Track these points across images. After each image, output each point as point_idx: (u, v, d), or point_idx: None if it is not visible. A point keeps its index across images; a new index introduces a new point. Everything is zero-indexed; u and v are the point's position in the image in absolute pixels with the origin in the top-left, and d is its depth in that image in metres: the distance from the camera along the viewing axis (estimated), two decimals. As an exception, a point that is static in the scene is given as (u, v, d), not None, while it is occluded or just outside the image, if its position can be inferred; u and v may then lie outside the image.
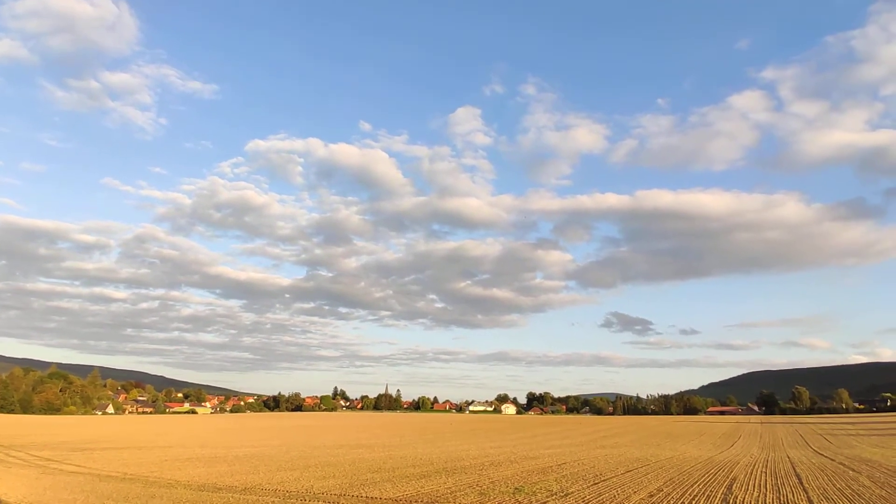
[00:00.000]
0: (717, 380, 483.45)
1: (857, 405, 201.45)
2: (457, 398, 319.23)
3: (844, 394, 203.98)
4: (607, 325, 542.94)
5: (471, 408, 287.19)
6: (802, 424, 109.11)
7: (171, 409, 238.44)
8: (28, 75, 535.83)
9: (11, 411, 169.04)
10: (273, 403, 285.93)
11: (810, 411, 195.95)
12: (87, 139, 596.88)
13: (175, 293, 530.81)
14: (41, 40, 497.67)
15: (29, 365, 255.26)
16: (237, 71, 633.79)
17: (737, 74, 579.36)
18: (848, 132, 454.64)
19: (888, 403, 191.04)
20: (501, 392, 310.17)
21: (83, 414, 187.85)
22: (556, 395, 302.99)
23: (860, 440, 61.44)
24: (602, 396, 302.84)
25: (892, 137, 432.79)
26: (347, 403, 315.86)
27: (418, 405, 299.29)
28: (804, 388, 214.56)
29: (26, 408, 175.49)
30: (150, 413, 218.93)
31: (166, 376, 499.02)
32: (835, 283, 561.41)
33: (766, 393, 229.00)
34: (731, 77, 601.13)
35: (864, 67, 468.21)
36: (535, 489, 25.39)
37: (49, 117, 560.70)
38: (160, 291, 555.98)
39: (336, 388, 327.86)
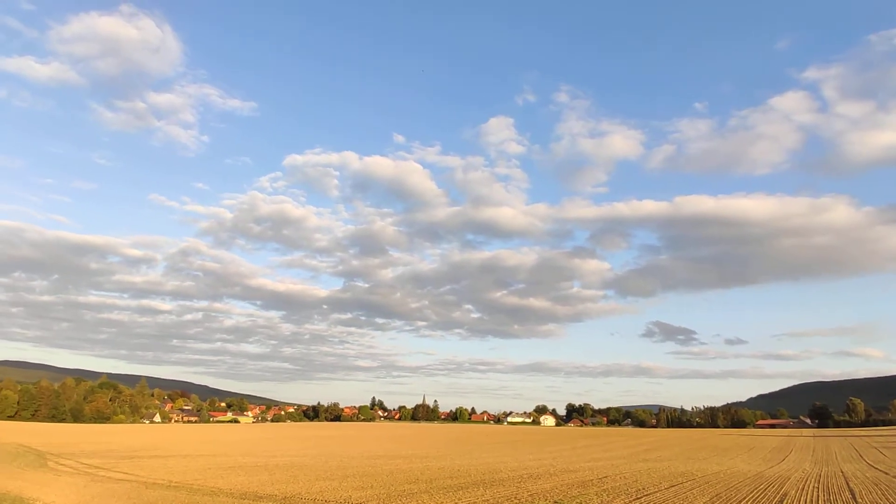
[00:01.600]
0: (766, 391, 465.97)
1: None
2: (494, 409, 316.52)
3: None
4: (648, 334, 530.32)
5: (509, 419, 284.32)
6: (857, 437, 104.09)
7: (214, 419, 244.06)
8: (77, 97, 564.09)
9: (63, 420, 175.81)
10: (312, 413, 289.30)
11: (865, 424, 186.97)
12: (134, 158, 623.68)
13: (218, 305, 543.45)
14: (89, 63, 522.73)
15: (80, 375, 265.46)
16: (274, 88, 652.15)
17: (777, 75, 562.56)
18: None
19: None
20: (540, 403, 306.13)
21: (132, 422, 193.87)
22: (596, 407, 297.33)
23: (922, 455, 58.20)
24: (644, 408, 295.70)
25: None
26: (385, 414, 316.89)
27: (456, 416, 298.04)
28: (859, 400, 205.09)
29: (77, 417, 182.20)
30: (195, 422, 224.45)
31: (210, 386, 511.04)
32: (889, 289, 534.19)
33: (818, 405, 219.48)
34: (771, 78, 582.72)
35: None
36: (574, 503, 24.85)
37: (98, 137, 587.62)
38: (203, 303, 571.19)
39: (374, 398, 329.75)
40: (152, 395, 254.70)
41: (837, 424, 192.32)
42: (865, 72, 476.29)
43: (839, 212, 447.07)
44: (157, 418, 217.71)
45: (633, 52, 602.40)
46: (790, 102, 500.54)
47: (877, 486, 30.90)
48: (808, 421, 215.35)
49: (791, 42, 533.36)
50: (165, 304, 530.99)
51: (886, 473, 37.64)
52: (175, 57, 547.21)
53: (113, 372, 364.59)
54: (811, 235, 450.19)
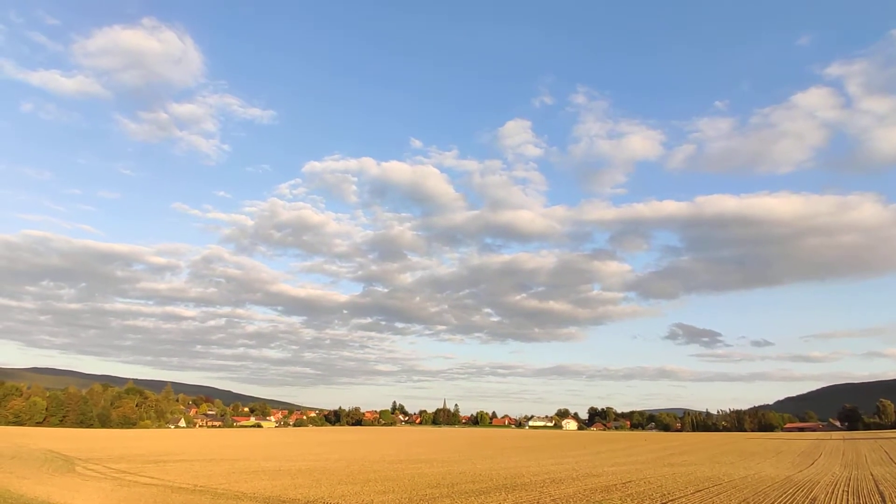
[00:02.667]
0: (794, 394, 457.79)
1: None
2: (515, 413, 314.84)
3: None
4: (672, 337, 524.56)
5: (530, 423, 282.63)
6: (888, 440, 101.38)
7: (238, 423, 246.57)
8: (102, 109, 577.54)
9: (91, 426, 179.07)
10: (334, 418, 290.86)
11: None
12: (157, 167, 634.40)
13: (240, 311, 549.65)
14: (113, 76, 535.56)
15: (107, 381, 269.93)
16: (293, 97, 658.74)
17: (800, 72, 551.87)
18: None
19: None
20: (561, 407, 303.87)
21: (157, 427, 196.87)
22: (619, 411, 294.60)
23: (958, 459, 56.52)
24: (668, 412, 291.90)
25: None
26: (406, 418, 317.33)
27: (477, 420, 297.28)
28: (889, 402, 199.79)
29: (105, 422, 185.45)
30: (219, 426, 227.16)
31: (233, 391, 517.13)
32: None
33: (848, 407, 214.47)
34: (793, 75, 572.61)
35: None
36: (598, 508, 24.59)
37: (122, 148, 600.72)
38: (226, 309, 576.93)
39: (395, 402, 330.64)
40: (177, 401, 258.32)
41: (867, 427, 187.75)
42: (890, 67, 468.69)
43: (866, 209, 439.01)
44: (182, 423, 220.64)
45: (650, 52, 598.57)
46: (813, 99, 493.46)
47: (911, 490, 30.07)
48: (838, 424, 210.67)
49: (813, 38, 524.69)
50: (189, 311, 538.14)
51: (921, 478, 36.63)
52: (196, 68, 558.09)
53: (139, 378, 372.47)
54: (837, 234, 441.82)
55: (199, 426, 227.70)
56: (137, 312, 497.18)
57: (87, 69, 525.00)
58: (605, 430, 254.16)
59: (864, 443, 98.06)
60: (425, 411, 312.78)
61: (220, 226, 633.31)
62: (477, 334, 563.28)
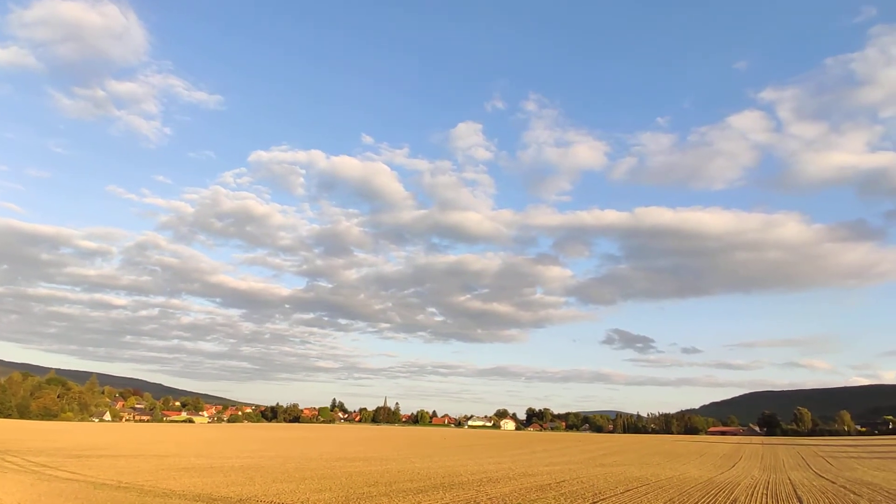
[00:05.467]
0: (718, 399, 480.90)
1: (858, 427, 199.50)
2: (455, 412, 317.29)
3: (846, 416, 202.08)
4: (608, 341, 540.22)
5: (470, 422, 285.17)
6: (804, 446, 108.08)
7: (168, 418, 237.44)
8: (35, 83, 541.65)
9: (9, 416, 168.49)
10: (271, 414, 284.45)
11: (812, 433, 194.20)
12: (91, 147, 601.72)
13: (175, 301, 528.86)
14: (49, 48, 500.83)
15: (27, 370, 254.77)
16: (242, 83, 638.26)
17: (736, 95, 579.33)
18: (848, 154, 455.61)
19: (890, 426, 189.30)
20: (500, 407, 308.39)
21: (80, 420, 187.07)
22: (555, 412, 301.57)
23: (861, 463, 60.78)
24: (602, 414, 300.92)
25: (892, 159, 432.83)
26: (346, 416, 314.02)
27: (417, 419, 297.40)
28: (806, 410, 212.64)
29: (24, 413, 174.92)
30: (147, 421, 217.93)
31: (164, 384, 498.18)
32: (836, 304, 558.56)
33: (767, 413, 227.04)
34: (730, 97, 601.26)
35: (864, 90, 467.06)
36: (533, 507, 25.10)
37: (55, 125, 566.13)
38: (160, 299, 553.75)
39: (335, 399, 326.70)
40: (103, 393, 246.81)
41: (785, 433, 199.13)
42: (820, 94, 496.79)
43: (791, 228, 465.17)
44: (108, 417, 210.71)
45: (600, 65, 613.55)
46: (747, 121, 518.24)
47: (824, 494, 32.14)
48: (757, 429, 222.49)
49: (749, 63, 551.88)
50: (120, 299, 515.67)
51: (833, 482, 39.18)
52: (139, 46, 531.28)
53: (62, 367, 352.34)
54: (764, 250, 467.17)
55: (126, 420, 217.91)
56: (63, 299, 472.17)
57: (21, 40, 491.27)
58: (541, 430, 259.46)
59: (782, 448, 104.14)
60: (365, 409, 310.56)
61: (158, 212, 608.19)
62: (420, 333, 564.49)
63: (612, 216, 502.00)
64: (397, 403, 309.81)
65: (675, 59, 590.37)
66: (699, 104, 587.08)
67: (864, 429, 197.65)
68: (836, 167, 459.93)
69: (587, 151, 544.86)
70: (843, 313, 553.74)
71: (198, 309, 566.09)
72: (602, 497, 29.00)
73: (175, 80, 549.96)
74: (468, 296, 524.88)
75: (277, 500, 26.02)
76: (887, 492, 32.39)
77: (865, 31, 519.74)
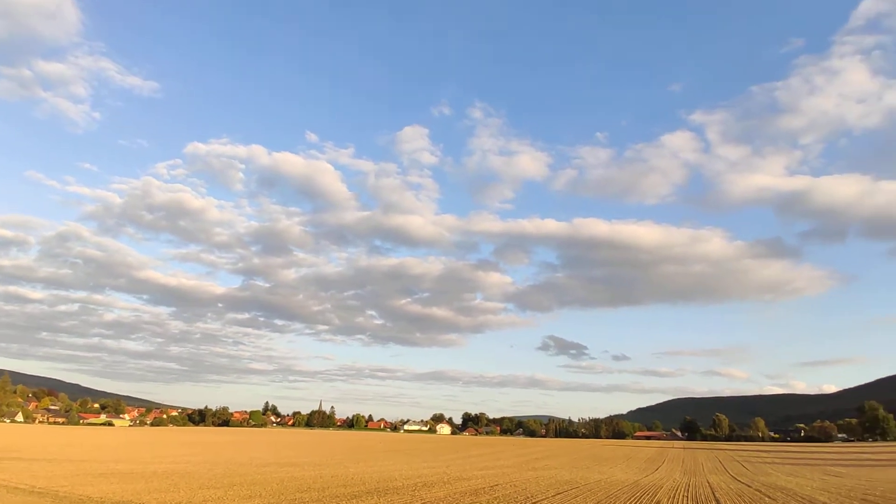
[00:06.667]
0: (644, 405, 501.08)
1: (772, 434, 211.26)
2: (392, 416, 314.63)
3: (761, 423, 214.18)
4: (544, 348, 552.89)
5: (406, 427, 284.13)
6: (722, 451, 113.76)
7: (85, 421, 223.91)
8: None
9: None
10: (198, 417, 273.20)
11: (729, 438, 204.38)
12: (13, 128, 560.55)
13: (98, 297, 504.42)
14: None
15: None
16: (181, 70, 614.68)
17: (670, 115, 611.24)
18: (768, 176, 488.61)
19: (801, 434, 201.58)
20: (437, 411, 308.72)
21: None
22: (491, 416, 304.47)
23: (775, 468, 64.50)
24: (536, 418, 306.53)
25: (809, 184, 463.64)
26: (278, 419, 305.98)
27: (352, 423, 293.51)
28: (724, 416, 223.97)
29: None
30: (63, 423, 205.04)
31: (82, 385, 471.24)
32: (754, 316, 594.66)
33: (688, 419, 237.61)
34: (664, 117, 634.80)
35: (786, 117, 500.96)
36: (466, 511, 25.30)
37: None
38: (81, 294, 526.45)
39: (267, 402, 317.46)
40: (14, 392, 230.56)
41: (704, 438, 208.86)
42: (745, 119, 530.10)
43: (714, 244, 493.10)
44: (20, 418, 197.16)
45: (544, 78, 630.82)
46: (678, 141, 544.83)
47: (740, 497, 33.91)
48: (679, 434, 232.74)
49: (683, 86, 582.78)
50: (36, 293, 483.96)
51: (749, 486, 41.40)
52: (71, 25, 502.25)
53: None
54: (690, 263, 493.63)
55: (40, 422, 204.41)
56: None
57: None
58: (476, 434, 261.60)
59: (701, 452, 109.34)
60: (299, 413, 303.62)
61: (83, 201, 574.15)
62: (359, 336, 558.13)
63: (551, 225, 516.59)
64: (333, 407, 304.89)
65: (615, 77, 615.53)
66: (636, 122, 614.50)
67: (777, 435, 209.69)
68: (757, 188, 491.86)
69: (530, 161, 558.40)
70: (759, 325, 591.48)
71: (122, 305, 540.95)
72: (534, 500, 29.57)
73: (107, 63, 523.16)
74: (408, 299, 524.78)
75: (204, 507, 25.08)
76: (800, 496, 34.51)
77: (791, 61, 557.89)
